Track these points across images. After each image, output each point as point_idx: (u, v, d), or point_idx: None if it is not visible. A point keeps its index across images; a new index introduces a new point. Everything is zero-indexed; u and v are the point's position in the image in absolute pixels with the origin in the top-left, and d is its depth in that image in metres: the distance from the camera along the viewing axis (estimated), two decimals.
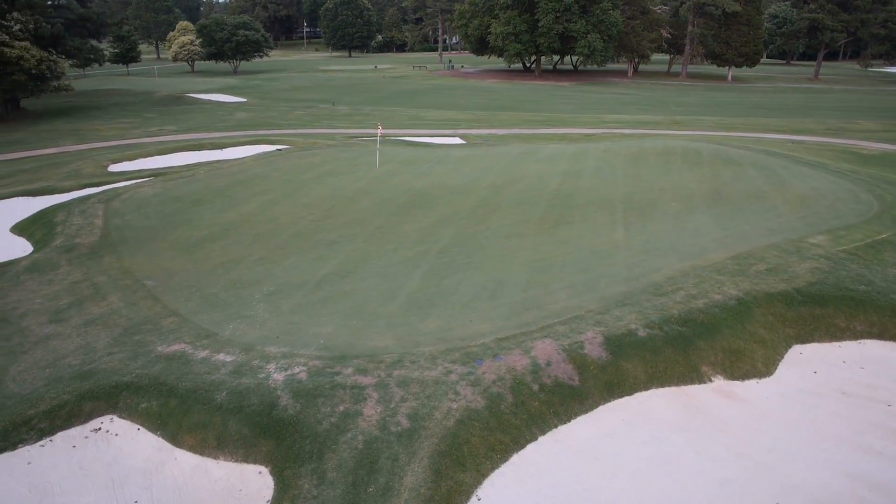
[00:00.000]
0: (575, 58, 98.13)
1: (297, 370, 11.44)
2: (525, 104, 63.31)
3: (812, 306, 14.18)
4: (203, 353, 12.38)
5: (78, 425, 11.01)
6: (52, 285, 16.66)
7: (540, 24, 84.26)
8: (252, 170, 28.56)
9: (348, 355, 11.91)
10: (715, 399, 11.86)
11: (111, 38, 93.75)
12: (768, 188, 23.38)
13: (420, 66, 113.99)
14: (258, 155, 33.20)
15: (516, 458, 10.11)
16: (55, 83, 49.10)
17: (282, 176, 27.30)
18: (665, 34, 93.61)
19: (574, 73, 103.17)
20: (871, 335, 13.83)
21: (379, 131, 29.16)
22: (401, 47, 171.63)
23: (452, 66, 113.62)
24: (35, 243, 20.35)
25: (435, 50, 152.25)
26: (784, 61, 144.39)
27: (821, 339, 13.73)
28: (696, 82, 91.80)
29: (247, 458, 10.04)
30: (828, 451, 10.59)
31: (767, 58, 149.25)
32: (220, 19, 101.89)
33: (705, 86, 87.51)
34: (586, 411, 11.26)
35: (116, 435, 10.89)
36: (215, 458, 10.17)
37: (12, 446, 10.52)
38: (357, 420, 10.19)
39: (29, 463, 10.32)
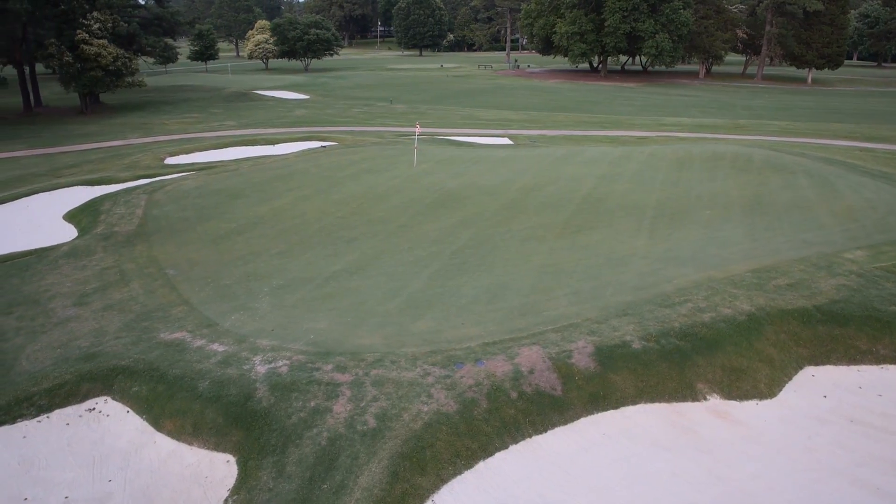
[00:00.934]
0: (643, 58, 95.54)
1: (280, 364, 11.66)
2: (584, 105, 62.15)
3: (831, 325, 13.25)
4: (199, 342, 12.80)
5: (74, 404, 11.60)
6: (85, 270, 17.65)
7: (606, 24, 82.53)
8: (293, 165, 29.31)
9: (333, 352, 12.03)
10: (706, 418, 11.27)
11: (191, 37, 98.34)
12: (815, 198, 22.04)
13: (485, 66, 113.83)
14: (302, 151, 34.04)
15: (482, 466, 9.93)
16: (129, 79, 51.95)
17: (320, 172, 27.87)
18: (741, 34, 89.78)
19: (642, 74, 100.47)
20: (895, 360, 12.81)
21: (417, 130, 29.34)
22: (471, 46, 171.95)
23: (518, 66, 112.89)
24: (80, 230, 21.59)
25: (504, 49, 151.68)
26: (875, 63, 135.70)
27: (837, 362, 12.80)
28: (771, 85, 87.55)
29: (218, 447, 10.32)
30: (819, 482, 9.88)
31: (858, 59, 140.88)
32: (293, 19, 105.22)
33: (781, 89, 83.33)
34: (565, 423, 10.92)
35: (108, 416, 11.41)
36: (190, 444, 10.50)
37: (12, 420, 11.20)
38: (325, 416, 10.28)
39: (24, 437, 10.96)
